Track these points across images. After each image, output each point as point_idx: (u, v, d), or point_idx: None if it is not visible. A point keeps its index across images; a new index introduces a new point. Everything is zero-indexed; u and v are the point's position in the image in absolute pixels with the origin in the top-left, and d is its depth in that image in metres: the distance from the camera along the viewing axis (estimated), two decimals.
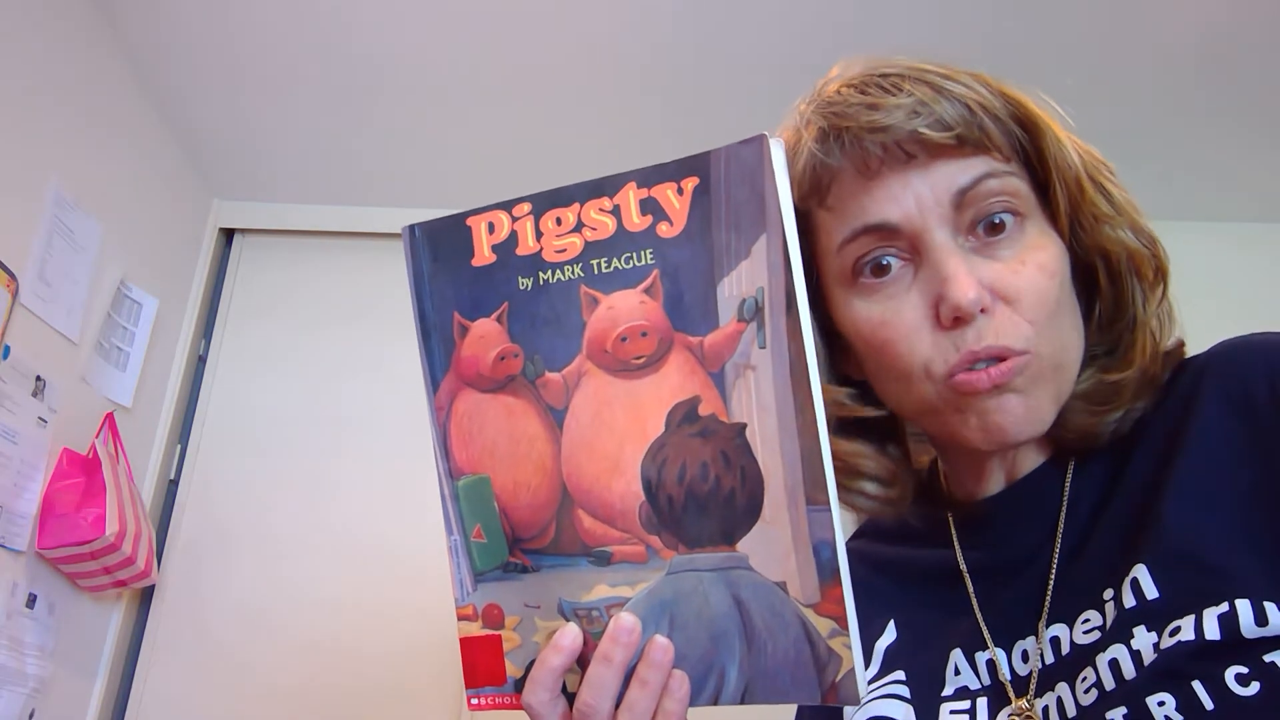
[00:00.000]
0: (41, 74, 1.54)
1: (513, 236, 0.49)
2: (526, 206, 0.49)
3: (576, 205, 0.47)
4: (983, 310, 0.54)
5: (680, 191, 0.44)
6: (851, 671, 0.42)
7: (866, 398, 0.63)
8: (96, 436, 1.62)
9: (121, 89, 1.77)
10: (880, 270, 0.57)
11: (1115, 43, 1.71)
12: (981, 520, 0.64)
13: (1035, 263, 0.56)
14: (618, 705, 0.46)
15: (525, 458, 0.48)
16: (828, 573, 0.42)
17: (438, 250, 0.52)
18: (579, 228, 0.47)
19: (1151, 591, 0.50)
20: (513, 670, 0.50)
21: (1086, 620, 0.54)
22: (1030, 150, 0.58)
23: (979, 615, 0.60)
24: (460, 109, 1.87)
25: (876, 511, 0.65)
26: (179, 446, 1.96)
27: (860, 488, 0.63)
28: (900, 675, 0.61)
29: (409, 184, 2.10)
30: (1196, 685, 0.46)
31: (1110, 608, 0.53)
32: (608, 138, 1.94)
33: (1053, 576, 0.57)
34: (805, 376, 0.42)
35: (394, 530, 1.89)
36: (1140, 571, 0.51)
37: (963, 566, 0.63)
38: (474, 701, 0.51)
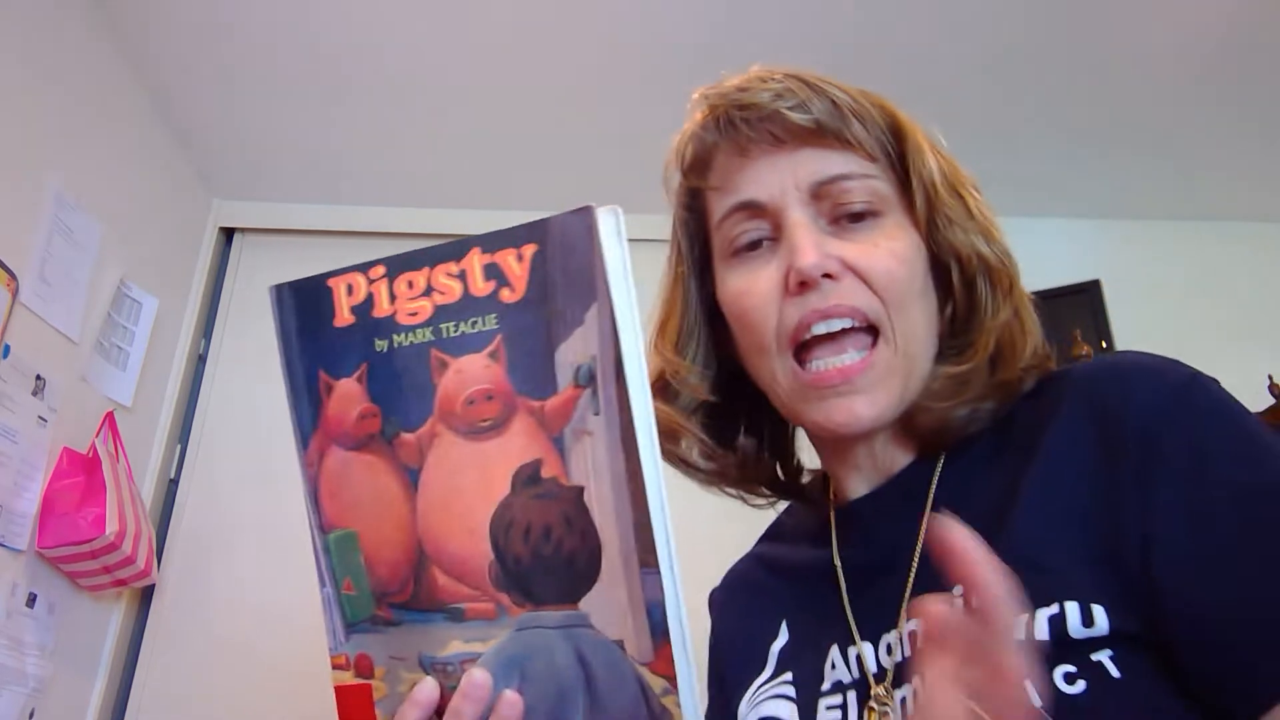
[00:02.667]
0: (42, 74, 1.54)
1: (369, 299, 0.50)
2: (381, 269, 0.50)
3: (426, 269, 0.48)
4: (830, 276, 0.59)
5: (520, 258, 0.45)
6: None
7: (706, 379, 0.68)
8: (96, 436, 1.62)
9: (122, 89, 1.77)
10: (752, 247, 0.63)
11: (1128, 41, 1.71)
12: (854, 519, 0.67)
13: (887, 247, 0.61)
14: None
15: (385, 515, 0.50)
16: (659, 633, 0.43)
17: (302, 310, 0.53)
18: (429, 291, 0.48)
19: None
20: (382, 718, 0.51)
21: None
22: (896, 155, 0.63)
23: (849, 611, 0.63)
24: (461, 109, 1.87)
25: (704, 480, 0.70)
26: (179, 446, 1.96)
27: (685, 455, 0.69)
28: (789, 676, 0.64)
29: (409, 184, 2.10)
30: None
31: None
32: (607, 136, 1.94)
33: (913, 572, 0.60)
34: (635, 445, 0.43)
35: None
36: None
37: (837, 565, 0.66)
38: None
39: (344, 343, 0.51)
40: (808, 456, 0.75)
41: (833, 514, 0.69)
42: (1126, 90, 1.81)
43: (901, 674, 0.57)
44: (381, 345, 0.49)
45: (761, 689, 0.66)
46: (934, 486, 0.63)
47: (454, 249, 0.47)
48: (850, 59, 1.71)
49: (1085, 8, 1.63)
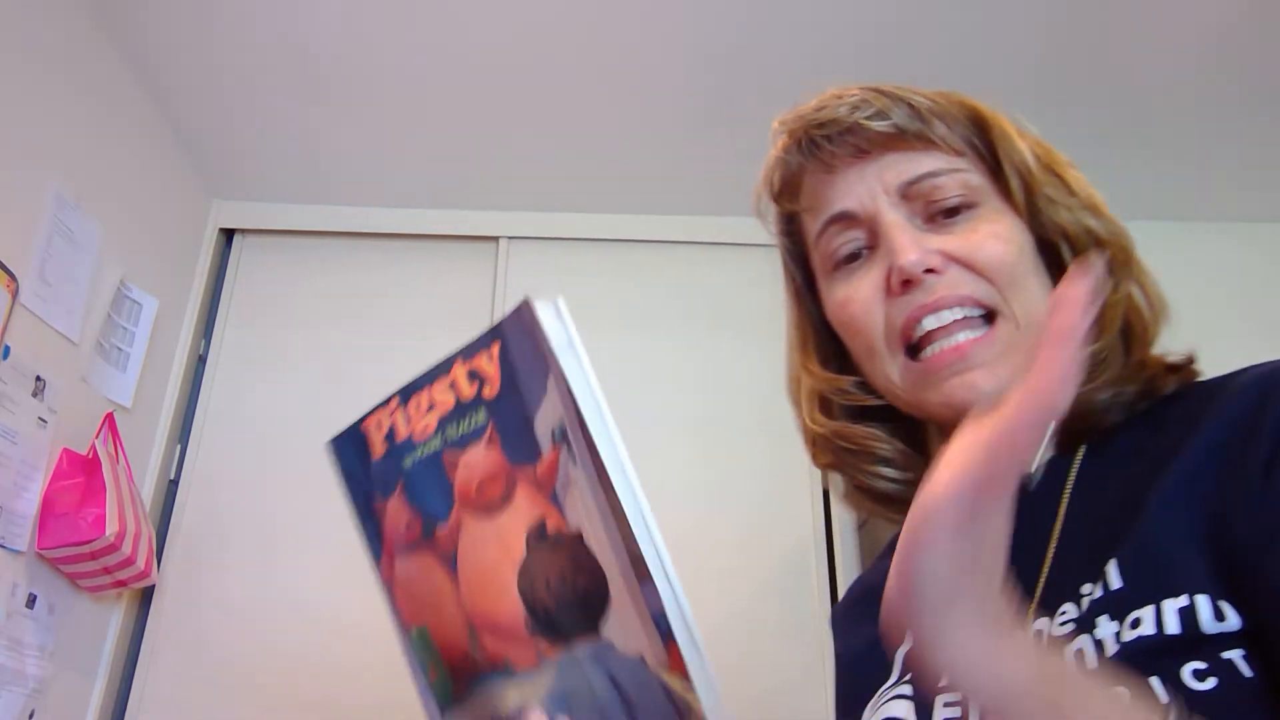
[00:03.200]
0: (42, 75, 1.54)
1: (393, 429, 0.59)
2: (396, 401, 0.59)
3: (427, 389, 0.56)
4: (932, 271, 0.58)
5: (491, 358, 0.53)
6: (701, 713, 0.47)
7: (864, 387, 0.67)
8: (96, 436, 1.62)
9: (122, 89, 1.77)
10: (851, 259, 0.63)
11: (1126, 42, 1.71)
12: None
13: (987, 230, 0.60)
14: None
15: (442, 603, 0.57)
16: (666, 636, 0.47)
17: (349, 455, 0.62)
18: (432, 407, 0.56)
19: (1116, 582, 0.51)
20: None
21: (1064, 613, 0.55)
22: (983, 145, 0.63)
23: None
24: (462, 111, 1.87)
25: (898, 494, 0.67)
26: (179, 446, 1.96)
27: (877, 470, 0.66)
28: (910, 676, 0.63)
29: (409, 184, 2.10)
30: (1154, 681, 0.47)
31: (1086, 602, 0.54)
32: (607, 137, 1.94)
33: (1046, 571, 0.58)
34: (608, 479, 0.48)
35: None
36: (1111, 566, 0.52)
37: None
38: None
39: (383, 469, 0.59)
40: None
41: None
42: (1125, 91, 1.81)
43: None
44: (409, 462, 0.57)
45: (886, 692, 0.65)
46: (1072, 479, 0.61)
47: (443, 366, 0.55)
48: (850, 59, 1.71)
49: (1085, 8, 1.63)
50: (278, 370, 2.04)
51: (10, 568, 1.43)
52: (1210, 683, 0.46)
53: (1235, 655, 0.46)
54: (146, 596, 1.83)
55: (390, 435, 0.59)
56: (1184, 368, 0.61)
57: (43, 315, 1.51)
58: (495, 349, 0.53)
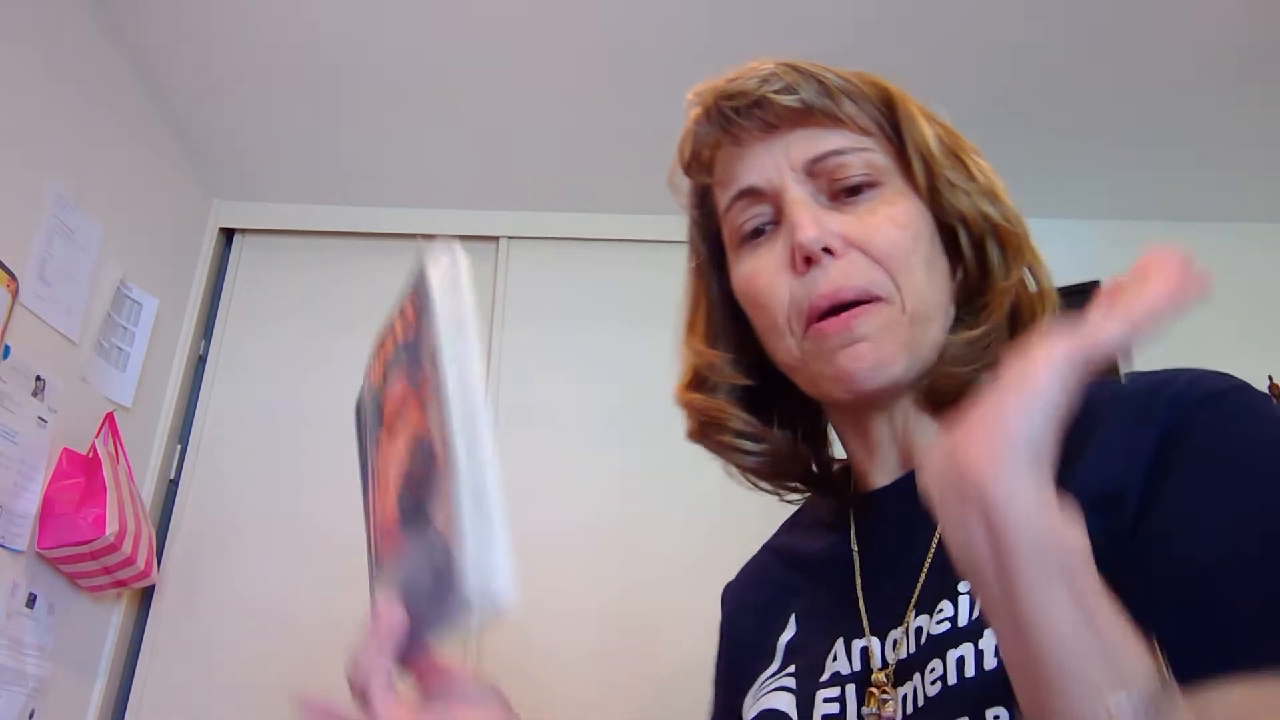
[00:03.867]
0: (42, 75, 1.54)
1: (368, 371, 0.67)
2: (373, 347, 0.66)
3: (386, 334, 0.63)
4: (830, 252, 0.59)
5: (412, 303, 0.59)
6: (468, 575, 0.50)
7: (739, 365, 0.69)
8: (96, 436, 1.62)
9: (122, 89, 1.77)
10: (757, 234, 0.64)
11: (1129, 40, 1.71)
12: (874, 508, 0.66)
13: (886, 214, 0.61)
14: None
15: (372, 526, 0.64)
16: (451, 506, 0.52)
17: (359, 416, 0.70)
18: (381, 348, 0.64)
19: None
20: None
21: (941, 610, 0.55)
22: (890, 127, 0.64)
23: (861, 604, 0.62)
24: (461, 110, 1.87)
25: (757, 468, 0.70)
26: (179, 446, 1.96)
27: (733, 443, 0.68)
28: (792, 668, 0.64)
29: (409, 184, 2.10)
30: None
31: (965, 602, 0.54)
32: (606, 137, 1.94)
33: (926, 565, 0.59)
34: (441, 385, 0.54)
35: None
36: None
37: (855, 556, 0.65)
38: None
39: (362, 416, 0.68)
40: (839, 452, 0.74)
41: (852, 506, 0.69)
42: (1127, 90, 1.81)
43: (904, 671, 0.56)
44: (371, 396, 0.65)
45: (767, 682, 0.66)
46: None
47: (393, 309, 0.62)
48: (848, 53, 1.71)
49: (1088, 6, 1.63)
50: (278, 370, 2.04)
51: (10, 568, 1.43)
52: None
53: None
54: (146, 596, 1.83)
55: (375, 386, 0.65)
56: None
57: (43, 315, 1.51)
58: (413, 297, 0.59)
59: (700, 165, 0.69)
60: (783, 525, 0.79)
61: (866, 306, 0.59)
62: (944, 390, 0.61)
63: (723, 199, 0.67)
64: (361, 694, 0.56)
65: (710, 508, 1.80)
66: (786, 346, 0.63)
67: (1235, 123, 1.90)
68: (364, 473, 0.68)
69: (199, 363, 2.04)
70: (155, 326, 1.85)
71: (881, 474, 0.66)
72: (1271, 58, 1.73)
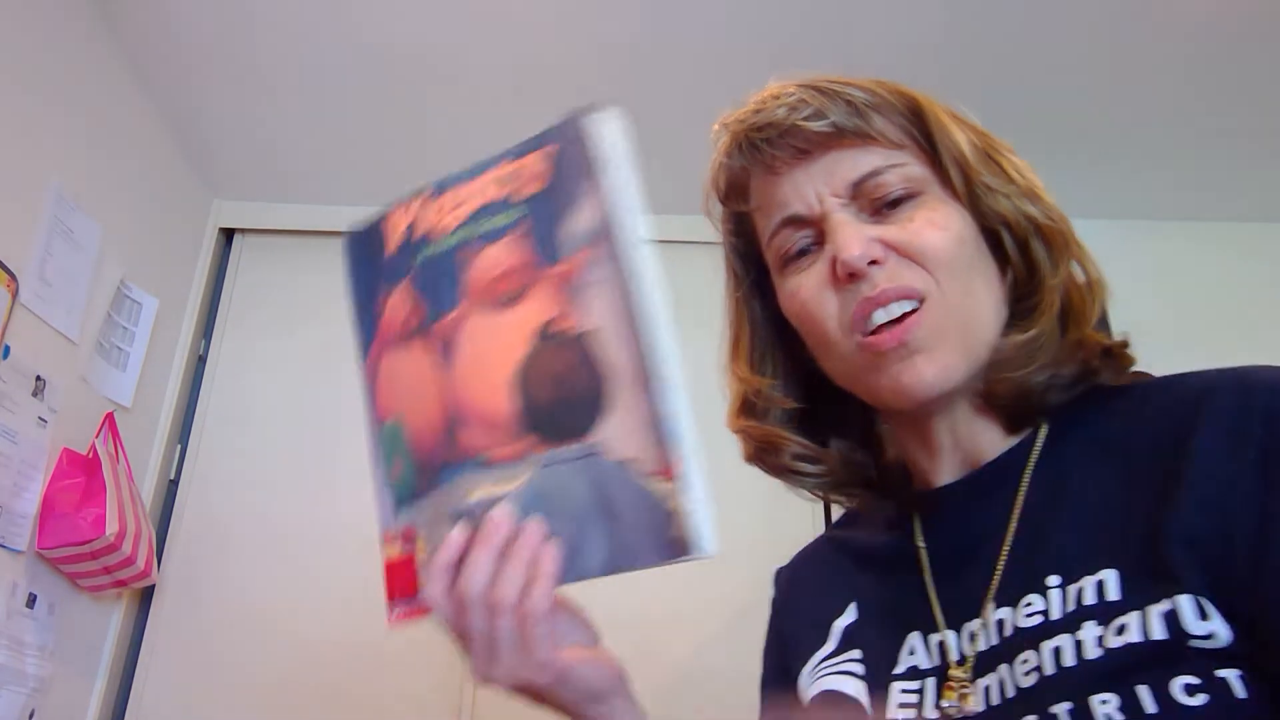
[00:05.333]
0: (41, 74, 1.54)
1: (413, 224, 0.59)
2: (429, 190, 0.58)
3: (467, 181, 0.57)
4: (875, 263, 0.60)
5: (545, 157, 0.54)
6: (695, 525, 0.48)
7: (788, 388, 0.70)
8: (96, 436, 1.62)
9: (122, 89, 1.77)
10: (802, 255, 0.64)
11: (1127, 39, 1.71)
12: (941, 504, 0.66)
13: (925, 219, 0.61)
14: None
15: (424, 392, 0.56)
16: (668, 440, 0.48)
17: (360, 251, 0.63)
18: (462, 205, 0.56)
19: (1114, 595, 0.51)
20: (423, 581, 0.56)
21: (1029, 604, 0.55)
22: (921, 136, 0.64)
23: (933, 598, 0.63)
24: (462, 108, 1.87)
25: (818, 488, 0.70)
26: (179, 446, 1.96)
27: (791, 466, 0.69)
28: (857, 654, 0.65)
29: (410, 184, 2.09)
30: (1141, 689, 0.47)
31: (1055, 595, 0.54)
32: None
33: (1004, 559, 0.59)
34: (637, 284, 0.49)
35: None
36: (1109, 576, 0.52)
37: (921, 552, 0.66)
38: (393, 615, 0.59)
39: (395, 262, 0.59)
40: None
41: (915, 504, 0.69)
42: (1122, 90, 1.81)
43: (985, 663, 0.56)
44: (423, 256, 0.57)
45: (825, 663, 0.66)
46: (1032, 462, 0.62)
47: (490, 161, 0.56)
48: (843, 56, 1.71)
49: (1085, 6, 1.63)
50: (278, 370, 2.04)
51: (10, 568, 1.43)
52: (1200, 699, 0.46)
53: (1231, 675, 0.46)
54: (146, 596, 1.83)
55: (409, 231, 0.59)
56: (1119, 350, 0.63)
57: (43, 315, 1.51)
58: (550, 149, 0.54)
59: (736, 194, 0.70)
60: (840, 520, 0.80)
61: (914, 316, 0.59)
62: (1000, 394, 0.62)
63: (765, 226, 0.67)
64: (491, 619, 0.53)
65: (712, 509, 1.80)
66: (840, 358, 0.63)
67: (1234, 123, 1.90)
68: (368, 323, 0.61)
69: (199, 363, 2.05)
70: (155, 326, 1.85)
71: (944, 473, 0.66)
72: (1252, 59, 1.73)
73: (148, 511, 1.74)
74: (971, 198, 0.63)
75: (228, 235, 2.18)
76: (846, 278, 0.60)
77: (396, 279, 0.59)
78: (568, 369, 0.51)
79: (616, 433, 0.49)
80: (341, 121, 1.91)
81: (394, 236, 0.60)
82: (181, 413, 1.98)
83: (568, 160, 0.53)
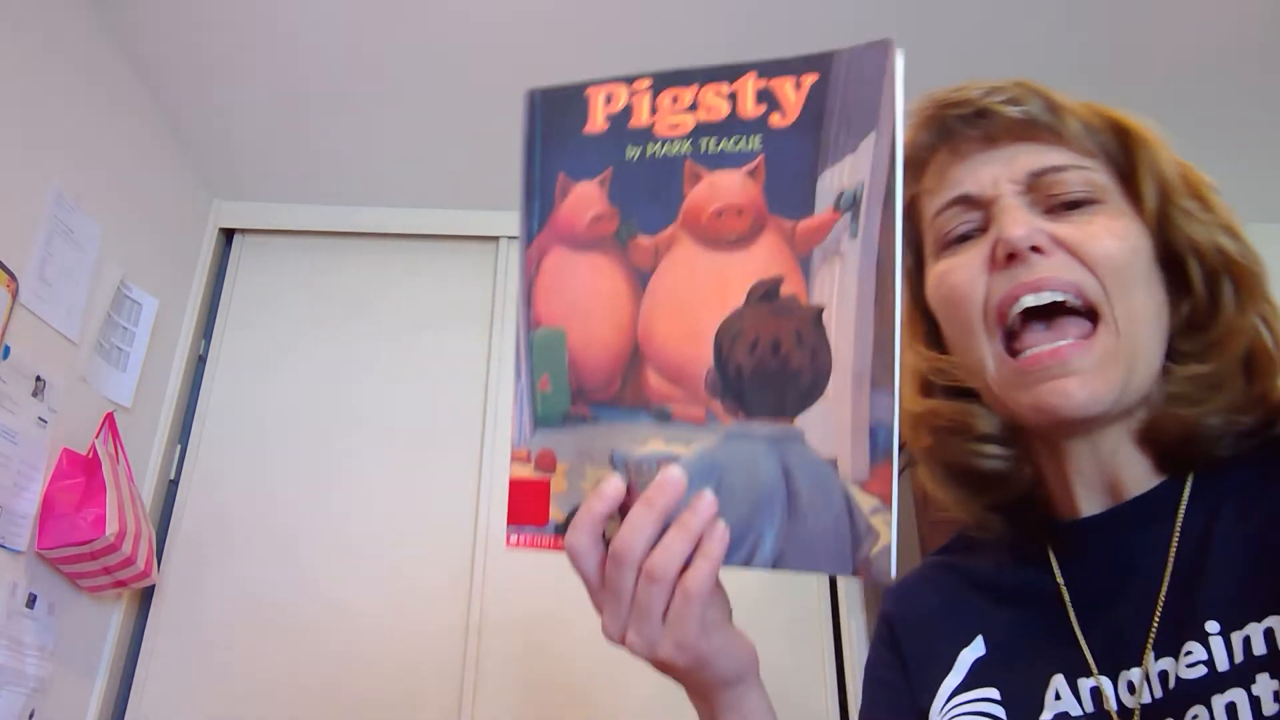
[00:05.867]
0: (42, 74, 1.54)
1: (627, 109, 0.51)
2: (646, 82, 0.50)
3: (695, 86, 0.49)
4: (1038, 250, 0.56)
5: (798, 86, 0.47)
6: (887, 549, 0.43)
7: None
8: (96, 436, 1.62)
9: (122, 89, 1.77)
10: (963, 240, 0.62)
11: (1131, 35, 1.71)
12: (1086, 538, 0.61)
13: (1103, 224, 0.58)
14: (654, 549, 0.48)
15: (604, 314, 0.50)
16: (881, 453, 0.44)
17: (553, 115, 0.54)
18: (693, 107, 0.49)
19: None
20: (555, 514, 0.51)
21: (1190, 654, 0.52)
22: (1119, 154, 0.62)
23: (1082, 640, 0.58)
24: (461, 108, 1.87)
25: (998, 472, 0.64)
26: (179, 446, 1.96)
27: (977, 449, 0.63)
28: (994, 693, 0.60)
29: (409, 184, 2.10)
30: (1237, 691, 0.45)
31: (1218, 644, 0.51)
32: None
33: (1161, 603, 0.55)
34: (891, 270, 0.44)
35: (395, 530, 1.89)
36: (1276, 623, 0.49)
37: (1063, 588, 0.61)
38: (513, 539, 0.53)
39: (592, 148, 0.52)
40: None
41: (1050, 533, 0.64)
42: (1124, 88, 1.81)
43: (1155, 716, 0.52)
44: (633, 153, 0.50)
45: (957, 698, 0.62)
46: (1183, 508, 0.57)
47: (727, 71, 0.48)
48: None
49: (1087, 7, 1.63)
50: (278, 370, 2.04)
51: (10, 568, 1.43)
52: None
53: None
54: (146, 596, 1.83)
55: (620, 116, 0.51)
56: None
57: (42, 315, 1.51)
58: (808, 79, 0.47)
59: (913, 175, 0.66)
60: (951, 546, 0.74)
61: (1084, 343, 0.55)
62: (1166, 429, 0.58)
63: (931, 205, 0.64)
64: (645, 585, 0.49)
65: None
66: (980, 355, 0.60)
67: (1233, 120, 1.90)
68: (537, 205, 0.53)
69: (199, 363, 2.05)
70: (155, 326, 1.85)
71: (1084, 503, 0.62)
72: (1272, 59, 1.73)
73: (148, 511, 1.74)
74: (1162, 219, 0.60)
75: (228, 235, 2.18)
76: (1006, 259, 0.57)
77: (593, 168, 0.51)
78: (783, 340, 0.45)
79: (822, 426, 0.45)
80: (340, 123, 1.91)
81: (598, 112, 0.52)
82: (181, 413, 1.98)
83: (832, 99, 0.46)
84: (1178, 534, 0.57)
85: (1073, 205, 0.59)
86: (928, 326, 0.68)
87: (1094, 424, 0.59)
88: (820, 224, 0.46)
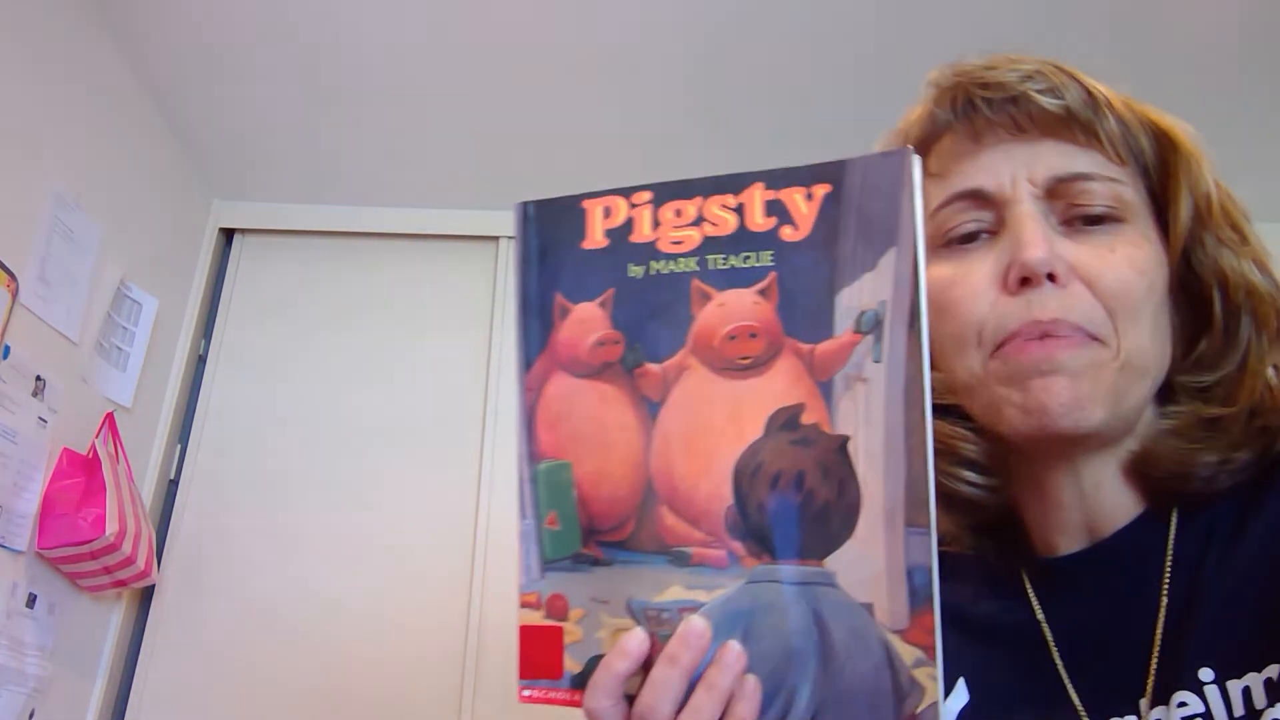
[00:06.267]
0: (42, 74, 1.54)
1: (628, 223, 0.48)
2: (647, 195, 0.47)
3: (699, 199, 0.46)
4: (1053, 279, 0.52)
5: (810, 197, 0.44)
6: (934, 706, 0.40)
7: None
8: (96, 436, 1.62)
9: (122, 89, 1.77)
10: (967, 240, 0.57)
11: (1145, 34, 1.70)
12: (1068, 576, 0.58)
13: (1125, 254, 0.54)
14: (680, 711, 0.44)
15: (612, 447, 0.47)
16: (920, 599, 0.41)
17: (547, 229, 0.50)
18: (699, 221, 0.46)
19: None
20: (570, 665, 0.48)
21: (1183, 704, 0.49)
22: (1155, 163, 0.57)
23: (1069, 686, 0.55)
24: (461, 108, 1.87)
25: (976, 500, 0.60)
26: (179, 446, 1.96)
27: (961, 474, 0.59)
28: None
29: (409, 184, 2.10)
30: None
31: (1214, 692, 0.48)
32: (606, 137, 1.94)
33: (1157, 646, 0.52)
34: (920, 396, 0.41)
35: (396, 531, 1.89)
36: (1275, 672, 0.46)
37: (1044, 626, 0.58)
38: (525, 694, 0.50)
39: (591, 266, 0.48)
40: None
41: (1028, 567, 0.61)
42: (1158, 84, 1.81)
43: None
44: (636, 271, 0.47)
45: None
46: (1170, 549, 0.54)
47: (732, 181, 0.46)
48: (838, 56, 1.70)
49: (1084, 9, 1.63)
50: (278, 370, 2.04)
51: (10, 568, 1.43)
52: None
53: None
54: (146, 596, 1.83)
55: (620, 231, 0.48)
56: None
57: (43, 315, 1.51)
58: (820, 190, 0.44)
59: (922, 153, 0.60)
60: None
61: (1076, 347, 0.52)
62: (1159, 465, 0.55)
63: (936, 193, 0.58)
64: None
65: None
66: (968, 364, 0.55)
67: (1216, 122, 1.89)
68: (536, 328, 0.49)
69: (199, 362, 2.05)
70: (155, 326, 1.85)
71: (1063, 537, 0.58)
72: (1272, 59, 1.73)
73: (148, 511, 1.74)
74: (1192, 242, 0.56)
75: (228, 235, 2.18)
76: (1019, 283, 0.52)
77: (593, 289, 0.48)
78: (805, 476, 0.42)
79: (855, 568, 0.41)
80: (340, 123, 1.91)
81: (597, 226, 0.48)
82: (181, 413, 1.98)
83: (847, 211, 0.43)
84: (1168, 573, 0.54)
85: (1094, 220, 0.55)
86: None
87: (1079, 448, 0.56)
88: (841, 347, 0.43)
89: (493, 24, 1.67)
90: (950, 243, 0.58)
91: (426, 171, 2.05)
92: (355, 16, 1.66)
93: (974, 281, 0.55)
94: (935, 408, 0.58)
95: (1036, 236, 0.53)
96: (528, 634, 0.49)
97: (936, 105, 0.60)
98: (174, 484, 1.93)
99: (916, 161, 0.43)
